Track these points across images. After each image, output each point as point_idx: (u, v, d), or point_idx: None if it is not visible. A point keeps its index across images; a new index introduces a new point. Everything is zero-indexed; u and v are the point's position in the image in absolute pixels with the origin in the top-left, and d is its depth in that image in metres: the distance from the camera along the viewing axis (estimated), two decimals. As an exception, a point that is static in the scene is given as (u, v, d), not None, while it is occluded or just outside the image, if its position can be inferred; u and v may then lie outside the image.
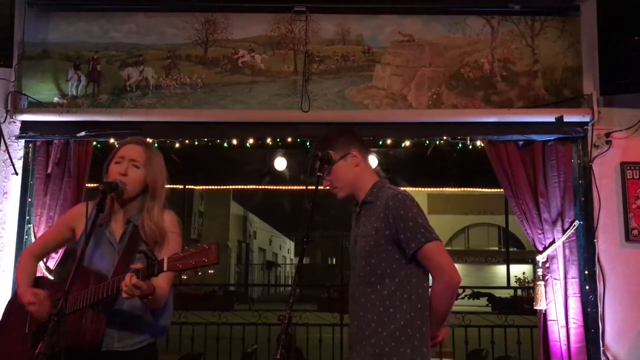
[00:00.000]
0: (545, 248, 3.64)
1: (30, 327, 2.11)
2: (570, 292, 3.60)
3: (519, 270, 23.42)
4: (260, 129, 3.87)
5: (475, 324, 5.28)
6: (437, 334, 2.14)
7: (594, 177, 3.67)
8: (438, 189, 16.73)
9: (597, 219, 3.64)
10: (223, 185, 12.52)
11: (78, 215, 2.23)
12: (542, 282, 3.65)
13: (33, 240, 3.60)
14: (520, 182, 3.67)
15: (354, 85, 3.86)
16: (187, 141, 3.94)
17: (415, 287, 2.07)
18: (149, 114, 3.80)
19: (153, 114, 3.81)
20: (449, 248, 25.22)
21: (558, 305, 3.60)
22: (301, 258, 1.99)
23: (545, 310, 3.63)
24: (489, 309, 16.37)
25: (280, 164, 5.56)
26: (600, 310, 3.57)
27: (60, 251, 3.57)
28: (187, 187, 11.96)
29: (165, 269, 1.82)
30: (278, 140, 3.94)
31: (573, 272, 3.62)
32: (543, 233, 3.65)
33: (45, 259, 3.54)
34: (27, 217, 3.74)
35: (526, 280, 22.56)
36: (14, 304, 2.19)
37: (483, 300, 17.76)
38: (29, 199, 3.76)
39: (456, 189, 13.40)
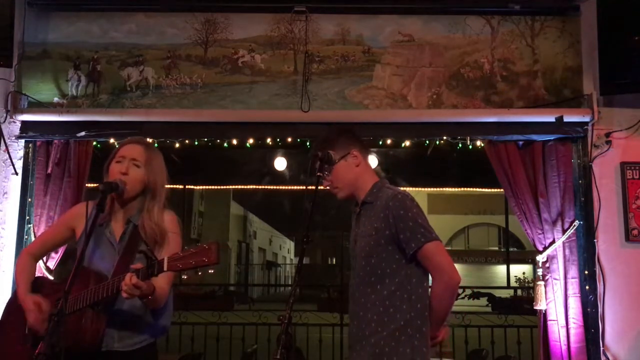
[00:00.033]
0: (545, 248, 3.64)
1: (31, 328, 2.11)
2: (570, 292, 3.60)
3: (519, 270, 23.43)
4: (260, 129, 3.87)
5: (475, 324, 5.28)
6: (437, 334, 2.14)
7: (594, 177, 3.67)
8: (438, 189, 16.73)
9: (597, 219, 3.64)
10: (223, 185, 12.52)
11: (78, 215, 2.23)
12: (542, 282, 3.65)
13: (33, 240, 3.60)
14: (520, 182, 3.67)
15: (354, 85, 3.86)
16: (187, 141, 3.94)
17: (415, 287, 2.07)
18: (149, 114, 3.80)
19: (153, 114, 3.81)
20: (449, 248, 25.22)
21: (558, 305, 3.60)
22: (301, 258, 1.99)
23: (545, 310, 3.63)
24: (489, 309, 16.37)
25: (280, 164, 5.57)
26: (600, 310, 3.57)
27: (60, 251, 3.57)
28: (187, 187, 11.96)
29: (165, 268, 1.82)
30: (278, 140, 3.94)
31: (573, 272, 3.62)
32: (543, 233, 3.65)
33: (45, 259, 3.55)
34: (27, 217, 3.74)
35: (526, 280, 22.56)
36: (14, 304, 2.19)
37: (483, 300, 17.76)
38: (29, 199, 3.76)
39: (456, 189, 13.39)
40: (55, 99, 3.87)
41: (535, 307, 3.68)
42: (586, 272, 3.63)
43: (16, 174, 3.75)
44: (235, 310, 8.13)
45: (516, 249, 24.90)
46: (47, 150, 3.79)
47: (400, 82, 3.87)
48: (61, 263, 3.65)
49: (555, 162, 3.69)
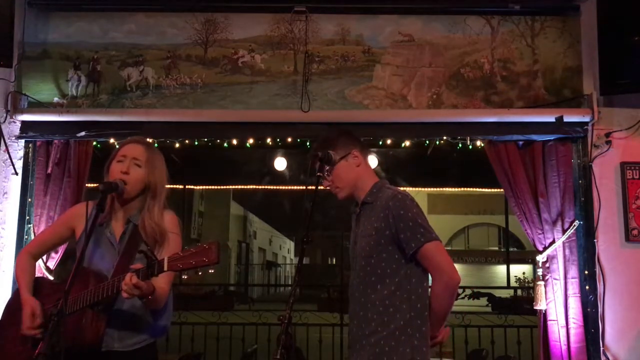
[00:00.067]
0: (545, 248, 3.64)
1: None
2: (570, 292, 3.60)
3: (519, 270, 23.43)
4: (260, 129, 3.87)
5: (475, 324, 5.28)
6: (437, 334, 2.14)
7: (594, 177, 3.67)
8: (438, 189, 16.74)
9: (597, 219, 3.64)
10: (223, 185, 12.51)
11: (78, 214, 2.23)
12: (542, 282, 3.65)
13: (33, 240, 3.59)
14: (520, 182, 3.67)
15: (354, 85, 3.86)
16: (187, 141, 3.94)
17: (415, 286, 2.07)
18: (149, 114, 3.80)
19: (153, 114, 3.81)
20: (449, 248, 25.24)
21: (558, 305, 3.59)
22: (301, 258, 1.99)
23: (545, 310, 3.63)
24: (489, 309, 16.39)
25: (280, 164, 5.56)
26: (600, 310, 3.57)
27: (60, 251, 3.58)
28: (187, 187, 11.95)
29: (165, 268, 1.82)
30: (278, 140, 3.94)
31: (573, 272, 3.62)
32: (543, 233, 3.65)
33: (45, 259, 3.55)
34: (27, 217, 3.74)
35: (526, 280, 22.56)
36: (15, 304, 2.19)
37: (483, 300, 17.78)
38: (29, 199, 3.76)
39: (456, 189, 13.39)
40: (55, 99, 3.87)
41: (535, 307, 3.68)
42: (586, 272, 3.63)
43: (16, 174, 3.75)
44: (235, 310, 8.15)
45: (516, 249, 24.91)
46: (47, 150, 3.79)
47: (400, 82, 3.87)
48: (61, 263, 3.65)
49: (555, 162, 3.69)
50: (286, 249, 38.99)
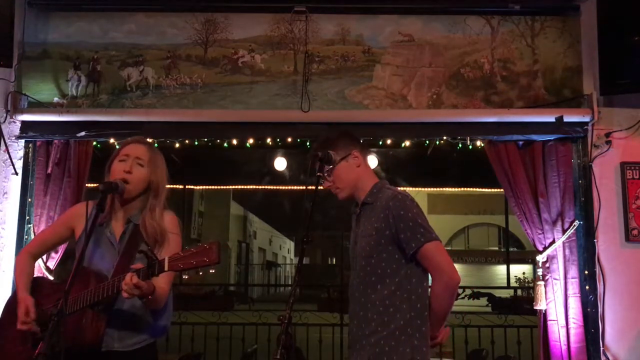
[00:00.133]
0: (545, 248, 3.64)
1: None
2: (570, 292, 3.60)
3: (519, 270, 23.43)
4: (260, 129, 3.87)
5: (475, 324, 5.28)
6: (437, 334, 2.14)
7: (594, 177, 3.67)
8: (438, 189, 16.74)
9: (597, 219, 3.64)
10: (223, 185, 12.51)
11: (77, 214, 2.23)
12: (542, 282, 3.65)
13: (33, 240, 3.59)
14: (520, 182, 3.67)
15: (354, 85, 3.86)
16: (187, 141, 3.94)
17: (415, 286, 2.07)
18: (149, 114, 3.80)
19: (153, 114, 3.81)
20: (449, 248, 25.24)
21: (558, 305, 3.60)
22: (301, 258, 1.99)
23: (545, 310, 3.63)
24: (489, 309, 16.39)
25: (280, 164, 5.56)
26: (600, 310, 3.57)
27: (60, 251, 3.58)
28: (187, 187, 11.95)
29: (166, 268, 1.82)
30: (278, 140, 3.94)
31: (573, 272, 3.62)
32: (543, 233, 3.65)
33: (45, 259, 3.55)
34: (27, 217, 3.74)
35: (526, 280, 22.57)
36: (14, 303, 2.19)
37: (483, 300, 17.78)
38: (29, 199, 3.76)
39: (456, 189, 13.39)
40: (55, 99, 3.87)
41: (535, 307, 3.68)
42: (586, 272, 3.63)
43: (16, 174, 3.75)
44: (235, 310, 8.14)
45: (516, 249, 24.90)
46: (47, 150, 3.79)
47: (400, 82, 3.87)
48: (61, 263, 3.65)
49: (555, 162, 3.69)
50: (286, 249, 38.99)
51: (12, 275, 3.60)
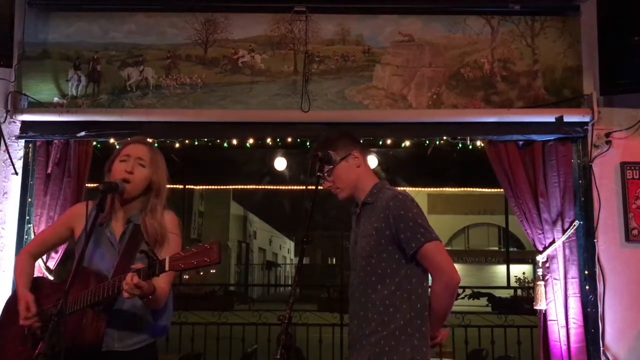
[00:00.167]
0: (545, 248, 3.64)
1: (30, 328, 2.11)
2: (570, 292, 3.60)
3: (519, 270, 23.44)
4: (260, 129, 3.87)
5: (475, 324, 5.28)
6: (437, 335, 2.14)
7: (594, 177, 3.67)
8: (438, 189, 16.72)
9: (597, 219, 3.64)
10: (223, 185, 12.51)
11: (77, 214, 2.23)
12: (542, 282, 3.65)
13: (33, 240, 3.59)
14: (520, 182, 3.67)
15: (354, 85, 3.86)
16: (187, 141, 3.94)
17: (415, 286, 2.07)
18: (149, 114, 3.80)
19: (153, 114, 3.81)
20: (449, 248, 25.24)
21: (558, 305, 3.60)
22: (301, 258, 1.99)
23: (545, 310, 3.63)
24: (489, 309, 16.39)
25: (280, 164, 5.56)
26: (600, 310, 3.57)
27: (60, 251, 3.58)
28: (187, 187, 11.95)
29: (167, 268, 1.82)
30: (278, 140, 3.94)
31: (573, 272, 3.62)
32: (543, 233, 3.65)
33: (45, 259, 3.55)
34: (27, 217, 3.74)
35: (526, 280, 22.57)
36: (13, 303, 2.19)
37: (483, 300, 17.78)
38: (29, 199, 3.76)
39: (456, 189, 13.38)
40: (55, 99, 3.87)
41: (535, 307, 3.68)
42: (586, 272, 3.63)
43: (16, 174, 3.75)
44: (235, 310, 8.14)
45: (516, 249, 24.91)
46: (47, 150, 3.79)
47: (400, 82, 3.87)
48: (61, 263, 3.65)
49: (555, 162, 3.69)
50: (286, 249, 38.99)
51: (12, 275, 3.60)
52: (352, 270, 2.21)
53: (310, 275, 26.95)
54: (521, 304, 12.62)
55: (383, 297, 2.06)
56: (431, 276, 2.09)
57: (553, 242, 3.63)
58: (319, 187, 2.10)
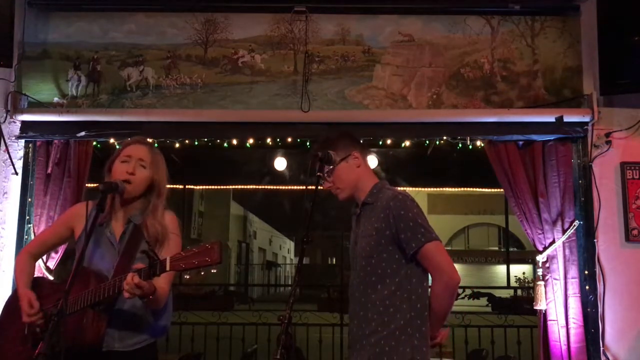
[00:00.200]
0: (545, 248, 3.64)
1: (30, 327, 2.11)
2: (570, 292, 3.60)
3: (519, 270, 23.43)
4: (260, 129, 3.87)
5: (475, 324, 5.28)
6: (437, 335, 2.14)
7: (594, 177, 3.67)
8: (438, 189, 16.72)
9: (597, 219, 3.64)
10: (223, 185, 12.50)
11: (77, 214, 2.23)
12: (542, 282, 3.65)
13: (33, 240, 3.59)
14: (520, 182, 3.67)
15: (354, 85, 3.86)
16: (187, 141, 3.94)
17: (415, 286, 2.08)
18: (149, 114, 3.80)
19: (153, 114, 3.81)
20: (449, 248, 25.24)
21: (558, 305, 3.60)
22: (301, 258, 1.99)
23: (545, 310, 3.63)
24: (489, 309, 16.39)
25: (280, 164, 5.56)
26: (600, 310, 3.57)
27: (60, 251, 3.58)
28: (187, 187, 11.95)
29: (167, 268, 1.82)
30: (278, 140, 3.94)
31: (573, 272, 3.62)
32: (543, 233, 3.65)
33: (45, 259, 3.55)
34: (27, 217, 3.74)
35: (526, 280, 22.57)
36: (13, 303, 2.19)
37: (483, 300, 17.78)
38: (29, 199, 3.76)
39: (456, 189, 13.39)
40: (55, 99, 3.87)
41: (535, 307, 3.68)
42: (586, 272, 3.63)
43: (16, 174, 3.75)
44: (235, 310, 8.14)
45: (516, 249, 24.90)
46: (47, 150, 3.79)
47: (400, 82, 3.87)
48: (61, 263, 3.65)
49: (555, 162, 3.69)
50: (286, 249, 38.98)
51: (12, 275, 3.60)
52: (352, 270, 2.21)
53: (310, 275, 26.95)
54: (521, 304, 12.61)
55: (383, 297, 2.06)
56: (431, 276, 2.09)
57: (553, 242, 3.63)
58: (319, 187, 2.10)
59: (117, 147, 2.30)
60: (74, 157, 3.74)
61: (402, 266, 2.07)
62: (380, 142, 3.92)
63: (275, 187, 11.97)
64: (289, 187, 10.76)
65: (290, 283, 22.31)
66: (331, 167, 2.18)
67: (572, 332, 3.56)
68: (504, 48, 3.88)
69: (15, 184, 3.78)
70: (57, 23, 3.95)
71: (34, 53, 3.90)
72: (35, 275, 2.30)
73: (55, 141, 3.77)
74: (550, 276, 3.63)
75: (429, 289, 2.11)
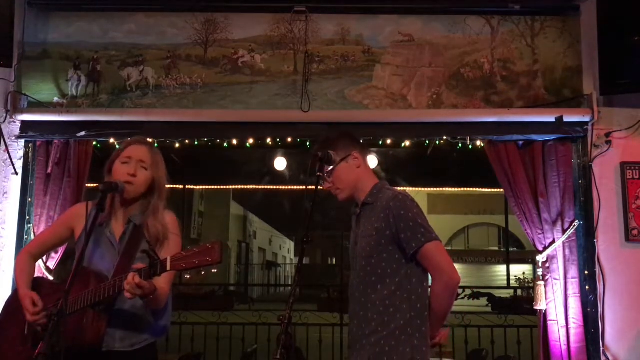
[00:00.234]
0: (545, 248, 3.64)
1: (30, 328, 2.11)
2: (570, 292, 3.60)
3: (519, 270, 23.44)
4: (260, 129, 3.87)
5: (475, 324, 5.28)
6: (437, 335, 2.14)
7: (594, 177, 3.67)
8: (438, 189, 16.72)
9: (597, 219, 3.64)
10: (223, 185, 12.50)
11: (77, 215, 2.23)
12: (542, 282, 3.65)
13: (33, 240, 3.59)
14: (520, 182, 3.67)
15: (354, 85, 3.86)
16: (187, 141, 3.94)
17: (415, 286, 2.08)
18: (149, 114, 3.81)
19: (153, 114, 3.81)
20: (449, 248, 25.24)
21: (558, 305, 3.60)
22: (301, 258, 1.99)
23: (545, 310, 3.63)
24: (489, 309, 16.39)
25: (280, 164, 5.56)
26: (600, 310, 3.57)
27: (60, 251, 3.58)
28: (187, 187, 11.95)
29: (168, 268, 1.82)
30: (278, 140, 3.94)
31: (573, 272, 3.62)
32: (543, 233, 3.65)
33: (45, 259, 3.55)
34: (27, 217, 3.74)
35: (526, 280, 22.57)
36: (14, 303, 2.19)
37: (483, 300, 17.78)
38: (29, 199, 3.76)
39: (456, 189, 13.38)
40: (55, 99, 3.87)
41: (535, 307, 3.68)
42: (586, 272, 3.63)
43: (16, 174, 3.75)
44: (235, 310, 8.15)
45: (516, 249, 24.91)
46: (47, 150, 3.79)
47: (400, 82, 3.87)
48: (61, 263, 3.65)
49: (555, 162, 3.69)
50: (286, 249, 38.98)
51: (12, 275, 3.60)
52: (352, 270, 2.21)
53: (310, 275, 26.95)
54: (521, 304, 12.61)
55: (383, 297, 2.06)
56: (431, 276, 2.09)
57: (553, 242, 3.63)
58: (319, 188, 2.10)
59: (117, 147, 2.30)
60: (74, 157, 3.74)
61: (402, 266, 2.07)
62: (380, 142, 3.92)
63: (275, 187, 11.97)
64: (289, 187, 10.75)
65: (290, 283, 22.31)
66: (331, 167, 2.18)
67: (572, 332, 3.56)
68: (504, 48, 3.88)
69: (15, 184, 3.78)
70: (57, 23, 3.95)
71: (34, 53, 3.90)
72: (35, 276, 2.30)
73: (55, 141, 3.77)
74: (550, 276, 3.63)
75: (429, 289, 2.11)
